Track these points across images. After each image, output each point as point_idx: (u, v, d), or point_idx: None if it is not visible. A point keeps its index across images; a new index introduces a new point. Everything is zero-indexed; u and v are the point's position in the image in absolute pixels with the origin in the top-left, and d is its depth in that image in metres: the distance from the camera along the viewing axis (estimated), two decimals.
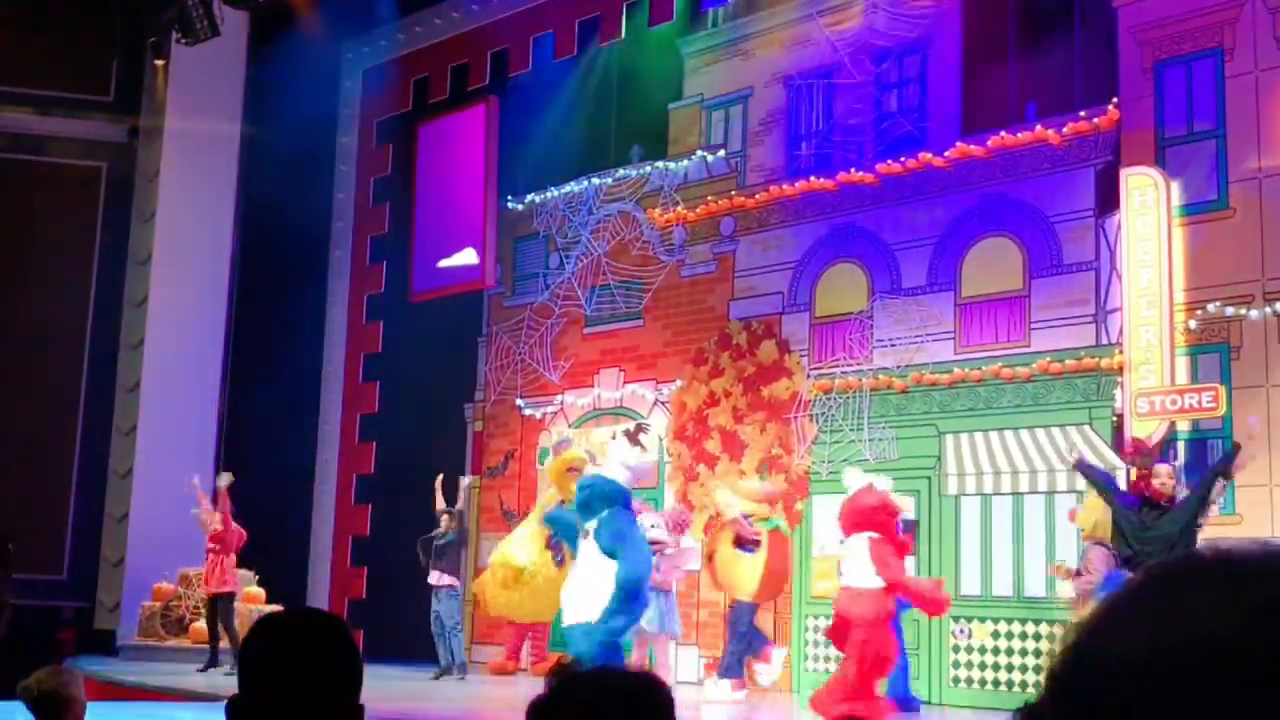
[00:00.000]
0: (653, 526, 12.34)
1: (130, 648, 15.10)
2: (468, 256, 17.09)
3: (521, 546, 13.74)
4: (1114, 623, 0.81)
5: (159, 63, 17.71)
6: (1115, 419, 11.72)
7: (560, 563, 13.35)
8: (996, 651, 12.03)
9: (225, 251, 17.86)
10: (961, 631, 12.30)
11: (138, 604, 15.58)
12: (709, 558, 12.65)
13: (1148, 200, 11.59)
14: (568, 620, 10.35)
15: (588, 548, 10.31)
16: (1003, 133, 12.69)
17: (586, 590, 10.12)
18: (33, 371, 17.35)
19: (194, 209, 17.48)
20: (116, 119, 18.24)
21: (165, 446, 16.87)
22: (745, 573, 12.01)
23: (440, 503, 13.83)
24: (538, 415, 16.35)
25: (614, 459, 11.05)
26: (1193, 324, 11.43)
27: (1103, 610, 0.83)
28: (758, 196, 14.54)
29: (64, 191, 17.95)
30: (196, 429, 17.23)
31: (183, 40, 16.56)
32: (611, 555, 10.04)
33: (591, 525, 10.29)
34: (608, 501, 10.28)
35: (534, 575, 13.48)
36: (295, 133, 17.34)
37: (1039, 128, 12.44)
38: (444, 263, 17.35)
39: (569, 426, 16.00)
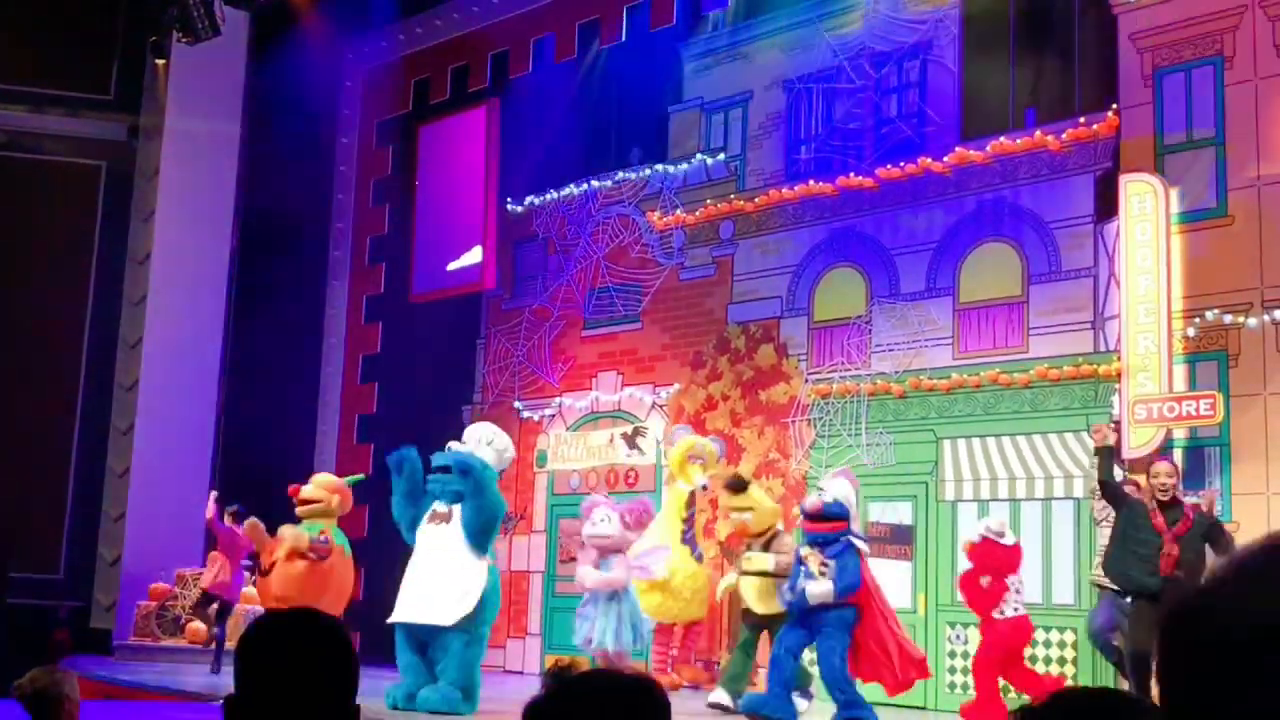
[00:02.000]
0: (601, 520, 11.52)
1: (126, 647, 15.09)
2: (474, 256, 17.08)
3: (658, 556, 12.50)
4: (1241, 598, 0.82)
5: (159, 62, 17.71)
6: (1113, 426, 11.71)
7: (700, 557, 13.08)
8: None
9: (224, 251, 17.85)
10: (958, 637, 12.30)
11: (134, 604, 15.57)
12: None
13: (1146, 207, 11.59)
14: (432, 619, 9.59)
15: (446, 533, 9.74)
16: (1002, 138, 12.70)
17: (452, 583, 9.62)
18: (31, 370, 17.34)
19: (193, 209, 17.48)
20: (116, 118, 18.24)
21: (163, 446, 16.87)
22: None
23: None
24: (535, 418, 16.35)
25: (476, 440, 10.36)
26: (1191, 331, 11.43)
27: (1221, 584, 0.84)
28: (757, 200, 14.54)
29: (63, 190, 17.96)
30: (194, 428, 17.22)
31: (183, 40, 16.57)
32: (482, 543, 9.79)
33: (455, 509, 9.83)
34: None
35: (672, 576, 12.61)
36: (295, 133, 17.35)
37: (1038, 133, 12.45)
38: (453, 265, 17.37)
39: (566, 429, 16.00)
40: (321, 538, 11.30)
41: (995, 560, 10.45)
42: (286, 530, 11.49)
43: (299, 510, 11.63)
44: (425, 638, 9.69)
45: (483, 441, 10.22)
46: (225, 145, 17.87)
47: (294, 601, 10.65)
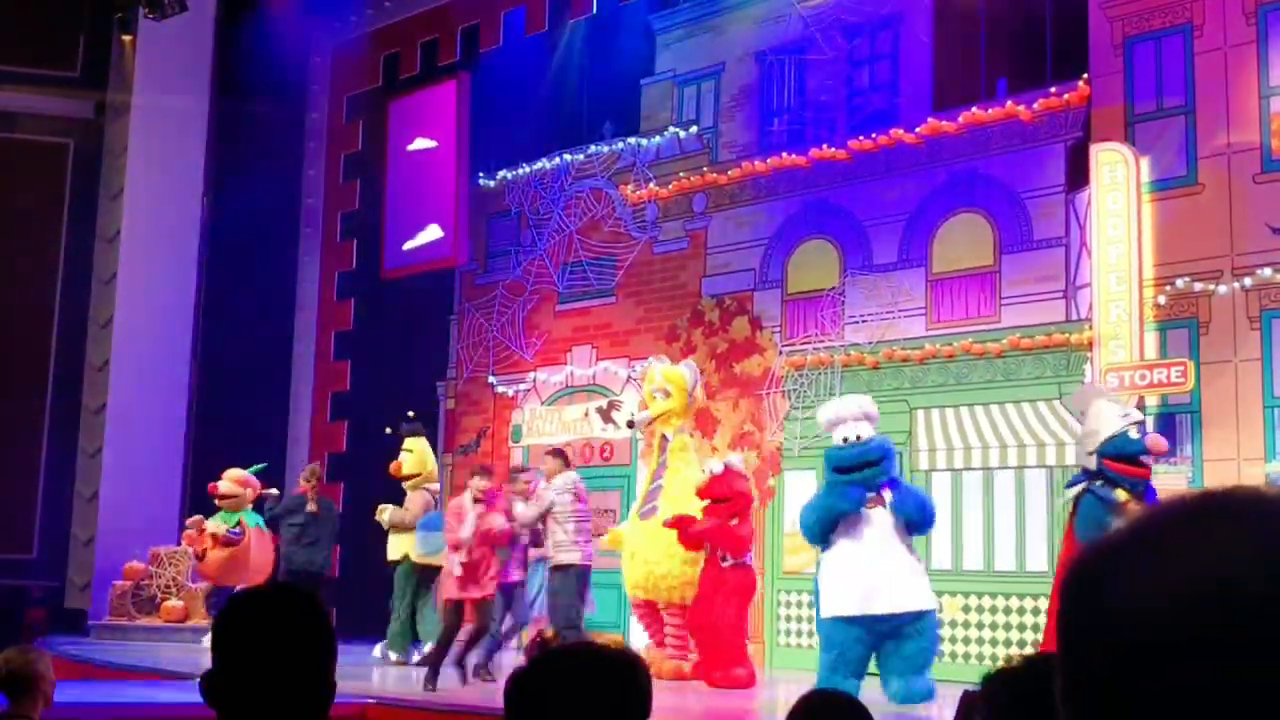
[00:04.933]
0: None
1: (101, 627, 15.04)
2: (432, 233, 17.06)
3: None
4: (1135, 562, 0.81)
5: (126, 38, 17.55)
6: None
7: (647, 514, 11.57)
8: (968, 625, 12.10)
9: (194, 228, 17.74)
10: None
11: (109, 583, 15.51)
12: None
13: (1118, 176, 11.63)
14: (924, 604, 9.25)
15: (877, 521, 9.27)
16: (974, 108, 12.71)
17: (902, 574, 9.14)
18: (0, 350, 17.22)
19: (162, 185, 17.35)
20: (83, 95, 18.07)
21: (135, 425, 16.79)
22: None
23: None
24: (510, 393, 16.33)
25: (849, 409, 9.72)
26: (1162, 299, 11.49)
27: (1123, 548, 0.82)
28: (730, 173, 14.53)
29: (30, 168, 17.79)
30: (167, 407, 17.14)
31: (150, 15, 16.41)
32: (919, 527, 9.41)
33: (886, 495, 9.35)
34: (891, 463, 9.46)
35: (623, 539, 11.84)
36: (264, 108, 17.23)
37: (1010, 104, 12.47)
38: (409, 245, 17.34)
39: (541, 404, 15.99)
40: (236, 529, 13.72)
41: (742, 496, 10.66)
42: (210, 524, 13.79)
43: (218, 504, 13.86)
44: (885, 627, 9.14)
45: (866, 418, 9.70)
46: (193, 122, 17.73)
47: (224, 580, 13.31)
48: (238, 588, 12.89)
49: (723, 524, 10.65)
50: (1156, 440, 8.74)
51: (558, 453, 11.00)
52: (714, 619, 10.67)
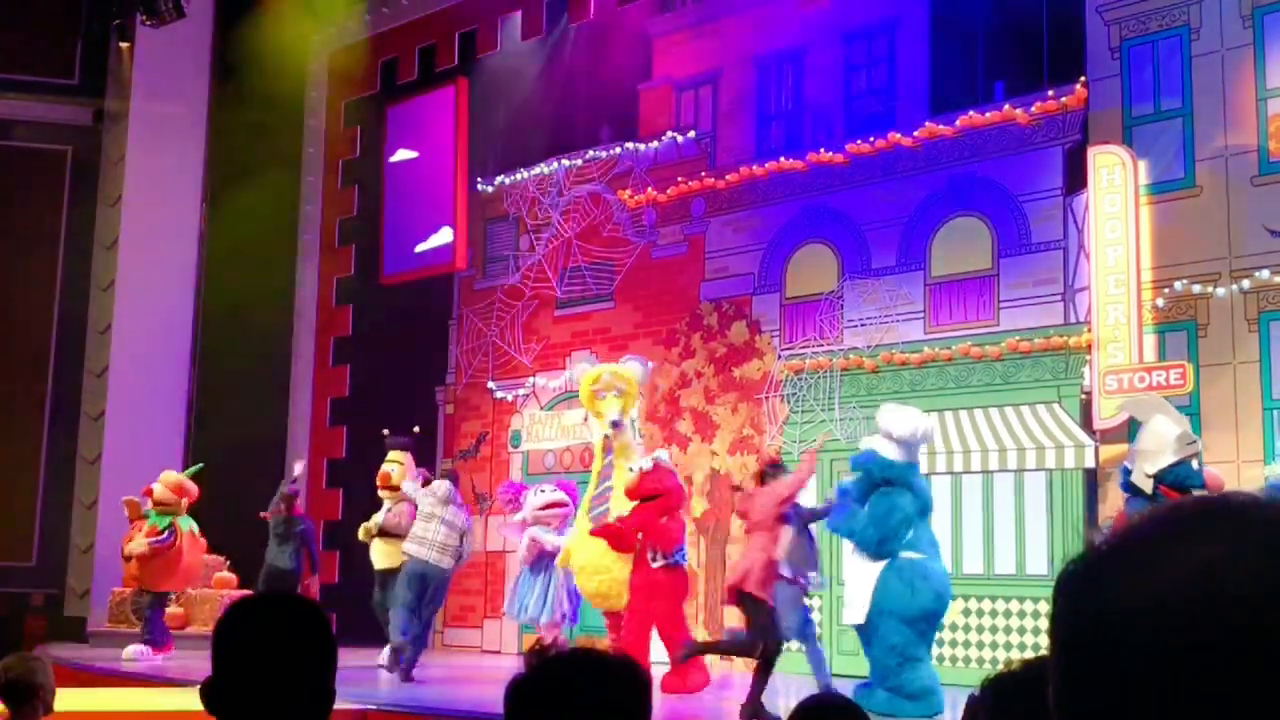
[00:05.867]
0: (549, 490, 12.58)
1: (101, 634, 15.01)
2: (443, 236, 17.04)
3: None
4: (1130, 565, 0.81)
5: (124, 45, 17.57)
6: (1084, 397, 11.79)
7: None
8: (968, 629, 12.10)
9: (192, 235, 17.75)
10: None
11: (108, 590, 15.49)
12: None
13: (1115, 179, 11.64)
14: (852, 620, 9.46)
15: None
16: (971, 112, 12.72)
17: (853, 588, 9.29)
18: (0, 357, 17.24)
19: (160, 192, 17.36)
20: (81, 102, 18.08)
21: (134, 431, 16.78)
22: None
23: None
24: (509, 398, 16.33)
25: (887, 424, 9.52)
26: (1160, 302, 11.50)
27: (1118, 551, 0.83)
28: (728, 177, 14.53)
29: (29, 175, 17.80)
30: (165, 414, 17.14)
31: (147, 22, 16.42)
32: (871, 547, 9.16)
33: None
34: (887, 482, 9.24)
35: (574, 551, 11.57)
36: (262, 115, 17.22)
37: (1007, 107, 12.47)
38: (420, 247, 17.31)
39: (540, 409, 15.99)
40: (167, 533, 13.18)
41: (671, 492, 10.53)
42: (134, 547, 13.40)
43: (153, 507, 13.43)
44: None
45: (881, 434, 9.49)
46: (191, 128, 17.74)
47: (153, 584, 13.23)
48: (170, 592, 13.52)
49: (652, 519, 10.45)
50: (1216, 478, 8.88)
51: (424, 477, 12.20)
52: (649, 625, 10.37)
